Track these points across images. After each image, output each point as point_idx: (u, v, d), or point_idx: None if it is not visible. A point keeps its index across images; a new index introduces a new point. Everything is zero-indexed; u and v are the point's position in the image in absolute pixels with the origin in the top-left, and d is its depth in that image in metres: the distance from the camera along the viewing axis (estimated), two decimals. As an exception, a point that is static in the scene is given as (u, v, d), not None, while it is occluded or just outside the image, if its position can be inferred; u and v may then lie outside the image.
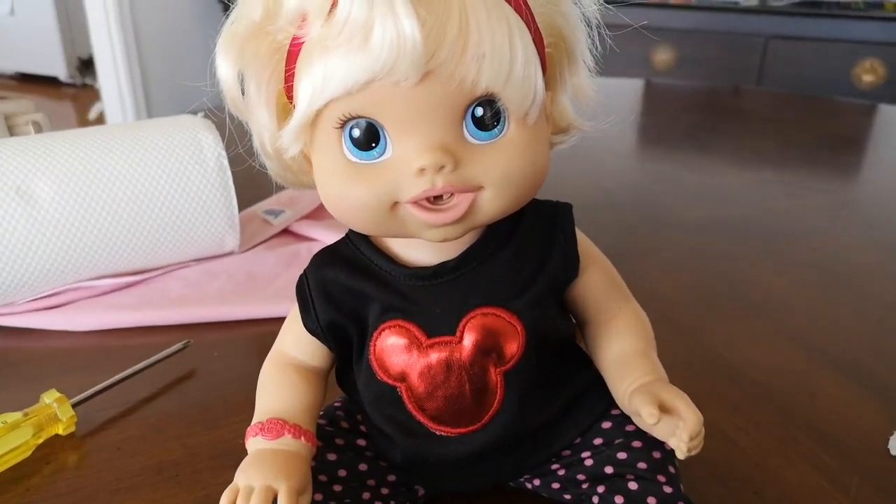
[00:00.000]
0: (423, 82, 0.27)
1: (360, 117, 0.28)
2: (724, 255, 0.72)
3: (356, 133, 0.29)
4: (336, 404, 0.40)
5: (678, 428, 0.31)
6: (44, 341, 0.57)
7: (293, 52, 0.29)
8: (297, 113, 0.29)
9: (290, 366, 0.36)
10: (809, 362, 0.53)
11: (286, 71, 0.30)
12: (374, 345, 0.33)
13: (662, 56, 2.04)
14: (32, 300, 0.60)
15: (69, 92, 3.26)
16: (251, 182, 0.74)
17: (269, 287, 0.64)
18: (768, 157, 1.08)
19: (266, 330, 0.58)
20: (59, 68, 3.27)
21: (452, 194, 0.29)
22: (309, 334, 0.35)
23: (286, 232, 0.76)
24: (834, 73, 1.84)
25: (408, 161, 0.28)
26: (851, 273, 0.68)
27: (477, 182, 0.29)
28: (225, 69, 0.31)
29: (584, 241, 0.36)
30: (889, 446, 0.43)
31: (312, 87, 0.28)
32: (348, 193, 0.30)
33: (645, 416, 0.31)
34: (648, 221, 0.81)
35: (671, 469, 0.35)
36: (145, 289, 0.63)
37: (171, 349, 0.52)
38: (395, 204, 0.29)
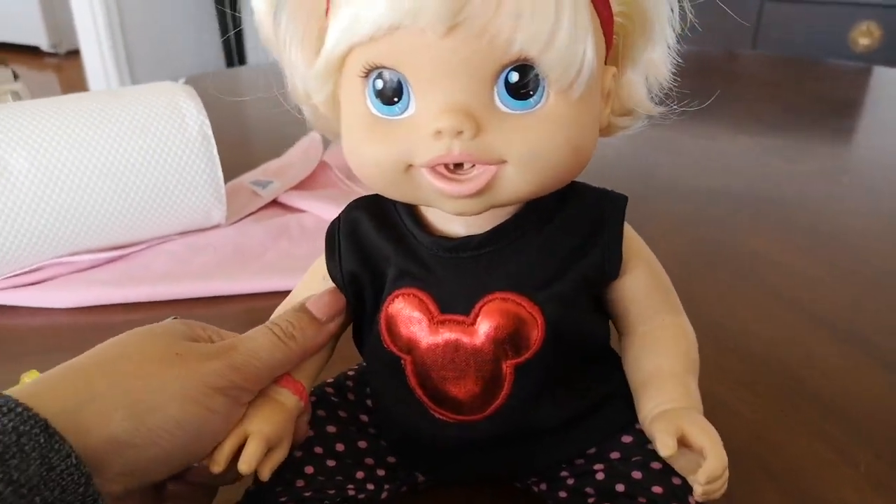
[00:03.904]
0: (450, 35, 0.25)
1: (383, 67, 0.26)
2: (722, 222, 0.71)
3: (379, 84, 0.27)
4: (349, 373, 0.38)
5: (699, 466, 0.28)
6: (23, 319, 0.55)
7: None
8: (321, 55, 0.28)
9: None
10: (811, 331, 0.52)
11: (326, 8, 0.28)
12: (387, 309, 0.31)
13: (656, 20, 2.00)
14: (10, 276, 0.58)
15: (51, 62, 3.19)
16: (238, 151, 0.72)
17: (257, 261, 0.62)
18: (765, 122, 1.06)
19: (254, 305, 0.56)
20: (40, 38, 3.20)
21: (474, 165, 0.26)
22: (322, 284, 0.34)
23: (275, 203, 0.74)
24: (830, 37, 1.81)
25: (426, 121, 0.26)
26: (851, 239, 0.67)
27: (500, 155, 0.26)
28: (260, 1, 0.29)
29: (633, 238, 0.33)
30: None
31: (339, 29, 0.26)
32: (364, 149, 0.28)
33: (658, 447, 0.28)
34: (642, 189, 0.79)
35: (691, 500, 0.30)
36: (128, 264, 0.61)
37: (156, 326, 0.50)
38: (410, 167, 0.27)
